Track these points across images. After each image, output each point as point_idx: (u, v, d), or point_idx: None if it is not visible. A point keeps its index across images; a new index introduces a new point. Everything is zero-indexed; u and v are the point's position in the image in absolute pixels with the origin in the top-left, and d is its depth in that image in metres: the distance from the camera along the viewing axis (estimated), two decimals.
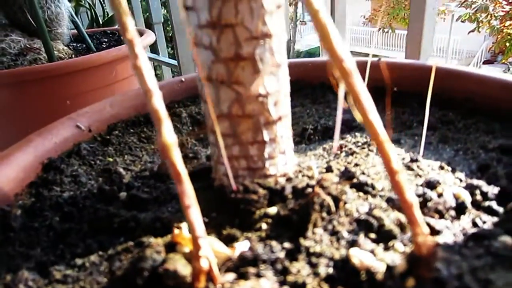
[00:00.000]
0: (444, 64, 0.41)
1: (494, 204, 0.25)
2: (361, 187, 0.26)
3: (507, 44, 8.60)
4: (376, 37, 11.34)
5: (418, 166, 0.30)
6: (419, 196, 0.25)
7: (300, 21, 12.67)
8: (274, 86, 0.24)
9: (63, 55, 0.86)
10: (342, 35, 0.84)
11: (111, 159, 0.35)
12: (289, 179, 0.27)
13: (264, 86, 0.24)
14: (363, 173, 0.29)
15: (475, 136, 0.34)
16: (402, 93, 0.43)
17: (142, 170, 0.33)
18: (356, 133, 0.38)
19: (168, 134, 0.17)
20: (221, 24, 0.22)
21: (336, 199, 0.23)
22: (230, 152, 0.26)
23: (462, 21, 8.72)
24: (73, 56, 0.88)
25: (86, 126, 0.36)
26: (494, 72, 0.37)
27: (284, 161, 0.27)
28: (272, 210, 0.23)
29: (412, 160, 0.31)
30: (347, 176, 0.27)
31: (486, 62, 11.09)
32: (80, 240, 0.24)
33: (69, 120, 0.35)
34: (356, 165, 0.31)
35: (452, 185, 0.27)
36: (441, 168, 0.30)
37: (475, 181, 0.27)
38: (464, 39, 9.97)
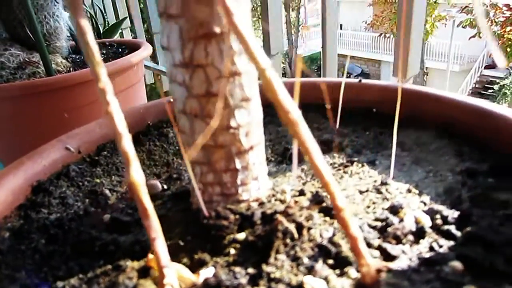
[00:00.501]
0: (420, 87, 0.43)
1: (453, 228, 0.27)
2: (328, 212, 0.28)
3: (508, 49, 8.60)
4: (378, 42, 11.38)
5: (386, 190, 0.31)
6: (381, 220, 0.27)
7: (303, 26, 12.73)
8: (245, 119, 0.26)
9: (61, 68, 0.88)
10: (333, 46, 0.86)
11: (98, 180, 0.36)
12: (261, 204, 0.29)
13: (235, 119, 0.26)
14: None
15: (445, 158, 0.36)
16: (381, 114, 0.45)
17: (127, 191, 0.35)
18: (335, 154, 0.40)
19: (136, 174, 0.19)
20: (193, 64, 0.24)
21: (300, 226, 0.25)
22: (205, 179, 0.28)
23: (463, 27, 8.75)
24: (71, 69, 0.90)
25: (76, 148, 0.38)
26: (469, 97, 0.39)
27: (257, 186, 0.29)
28: (241, 235, 0.25)
29: (382, 183, 0.32)
30: (316, 200, 0.29)
31: (488, 66, 11.10)
32: (63, 262, 0.26)
33: (59, 142, 0.37)
34: None
35: (416, 209, 0.29)
36: (409, 191, 0.32)
37: (437, 206, 0.28)
38: (466, 44, 10.00)
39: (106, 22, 1.78)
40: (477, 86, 10.94)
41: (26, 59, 0.82)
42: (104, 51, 1.07)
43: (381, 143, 0.41)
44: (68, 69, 0.90)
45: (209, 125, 0.25)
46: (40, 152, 0.35)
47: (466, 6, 8.65)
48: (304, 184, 0.35)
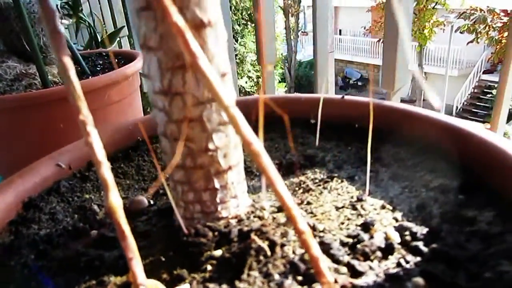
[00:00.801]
0: (399, 104, 0.44)
1: (420, 245, 0.28)
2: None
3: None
4: (376, 48, 11.43)
5: (362, 206, 0.33)
6: (353, 237, 0.29)
7: (302, 31, 12.80)
8: (222, 141, 0.28)
9: (57, 79, 0.90)
10: (324, 59, 0.87)
11: (87, 196, 0.38)
12: (240, 221, 0.30)
13: (213, 142, 0.27)
14: (311, 213, 0.33)
15: (421, 174, 0.37)
16: (362, 129, 0.46)
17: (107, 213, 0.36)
18: (317, 169, 0.41)
19: (115, 199, 0.20)
20: (171, 92, 0.25)
21: (274, 243, 0.26)
22: (186, 198, 0.29)
23: (461, 32, 8.79)
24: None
25: (67, 164, 0.40)
26: (443, 115, 0.40)
27: (236, 204, 0.31)
28: (218, 252, 0.26)
29: (358, 200, 0.34)
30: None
31: (486, 71, 11.15)
32: (50, 278, 0.27)
33: (50, 159, 0.39)
34: (308, 203, 0.34)
35: (387, 225, 0.30)
36: (383, 207, 0.33)
37: (407, 222, 0.30)
38: (464, 49, 10.05)
39: (104, 31, 1.80)
40: (475, 91, 10.98)
41: (23, 71, 0.84)
42: (101, 62, 1.09)
43: (362, 158, 0.43)
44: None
45: (188, 148, 0.27)
46: (31, 169, 0.37)
47: (463, 12, 8.71)
48: None
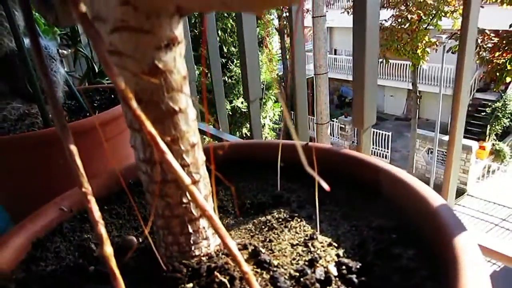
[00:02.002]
0: (353, 152, 0.52)
1: (354, 277, 0.35)
2: (261, 264, 0.36)
3: (497, 74, 8.80)
4: None
5: (312, 244, 0.40)
6: (299, 272, 0.36)
7: None
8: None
9: None
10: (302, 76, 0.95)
11: (86, 235, 0.45)
12: (210, 258, 0.37)
13: (186, 197, 0.35)
14: (270, 249, 0.40)
15: (365, 215, 0.45)
16: (324, 172, 0.53)
17: (110, 244, 0.43)
18: (281, 209, 0.48)
19: (106, 248, 0.27)
20: (152, 161, 0.33)
21: (233, 277, 0.33)
22: (166, 240, 0.37)
23: (452, 52, 8.98)
24: (66, 117, 1.00)
25: (68, 207, 0.47)
26: (387, 164, 0.48)
27: (207, 244, 0.38)
28: (190, 285, 0.33)
29: (311, 238, 0.41)
30: (254, 254, 0.38)
31: (480, 90, 11.33)
32: None
33: (54, 204, 0.46)
34: (270, 241, 0.41)
35: (330, 261, 0.37)
36: (330, 245, 0.40)
37: (346, 259, 0.37)
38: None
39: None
40: (470, 109, 11.14)
41: (26, 111, 0.92)
42: (98, 97, 1.17)
43: (321, 199, 0.50)
44: (64, 117, 0.99)
45: (166, 202, 0.34)
46: (39, 214, 0.44)
47: (455, 33, 8.92)
48: (252, 237, 0.43)
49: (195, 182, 0.35)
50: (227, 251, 0.27)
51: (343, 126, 10.95)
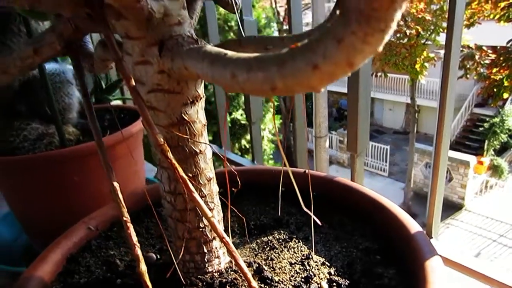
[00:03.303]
0: (345, 180, 0.59)
1: None
2: (264, 280, 0.43)
3: (495, 89, 8.91)
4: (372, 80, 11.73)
5: (308, 263, 0.46)
6: (296, 287, 0.42)
7: None
8: None
9: (72, 137, 1.04)
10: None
11: (111, 252, 0.51)
12: (221, 274, 0.43)
13: (203, 222, 0.41)
14: (272, 267, 0.46)
15: (355, 238, 0.51)
16: (320, 197, 0.60)
17: (131, 260, 0.50)
18: (281, 230, 0.55)
19: (143, 267, 0.34)
20: (176, 193, 0.39)
21: None
22: (184, 258, 0.43)
23: None
24: (80, 137, 1.07)
25: (95, 226, 0.53)
26: (372, 191, 0.54)
27: (218, 262, 0.44)
28: None
29: (307, 258, 0.47)
30: (258, 271, 0.44)
31: (478, 105, 11.44)
32: None
33: (83, 223, 0.52)
34: (272, 259, 0.48)
35: (323, 278, 0.44)
36: (323, 264, 0.46)
37: (336, 277, 0.43)
38: (455, 83, 10.38)
39: (108, 79, 1.96)
40: (468, 124, 11.25)
41: (44, 131, 0.98)
42: (108, 117, 1.24)
43: (318, 222, 0.57)
44: (78, 137, 1.06)
45: (187, 226, 0.41)
46: (71, 232, 0.50)
47: None
48: (255, 255, 0.50)
49: (210, 210, 0.41)
50: (239, 270, 0.34)
51: (341, 139, 11.03)
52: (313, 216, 0.36)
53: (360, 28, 0.19)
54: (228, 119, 6.44)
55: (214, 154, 1.24)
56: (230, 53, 0.25)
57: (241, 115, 6.53)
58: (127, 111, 1.27)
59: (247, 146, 5.92)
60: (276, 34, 10.56)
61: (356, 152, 0.85)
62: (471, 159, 8.86)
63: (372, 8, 0.19)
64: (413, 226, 0.45)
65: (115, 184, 0.34)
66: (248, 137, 5.67)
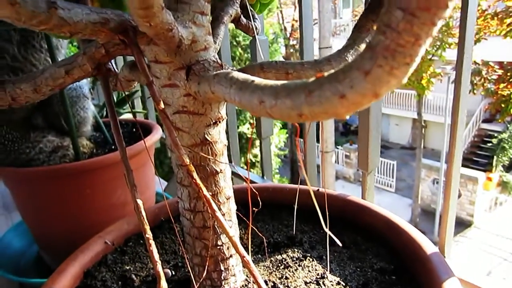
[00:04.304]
0: (358, 199, 0.59)
1: None
2: None
3: (503, 105, 8.87)
4: None
5: (323, 282, 0.47)
6: None
7: None
8: (226, 239, 0.42)
9: (86, 150, 1.06)
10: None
11: (126, 267, 0.52)
12: None
13: (220, 240, 0.42)
14: (287, 286, 0.46)
15: (369, 257, 0.51)
16: (332, 216, 0.61)
17: (146, 275, 0.51)
18: (295, 249, 0.55)
19: (163, 282, 0.34)
20: (195, 210, 0.40)
21: None
22: (201, 275, 0.44)
23: (452, 82, 9.08)
24: (93, 150, 1.08)
25: (111, 241, 0.54)
26: (389, 213, 0.55)
27: (235, 280, 0.45)
28: None
29: (321, 277, 0.48)
30: None
31: (485, 120, 11.39)
32: None
33: (99, 238, 0.53)
34: (286, 278, 0.48)
35: None
36: (338, 283, 0.47)
37: None
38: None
39: (119, 93, 2.00)
40: (475, 139, 11.18)
41: (59, 144, 1.00)
42: (121, 131, 1.26)
43: (331, 241, 0.57)
44: (91, 150, 1.08)
45: (204, 244, 0.42)
46: (88, 246, 0.51)
47: None
48: (270, 273, 0.50)
49: (230, 227, 0.42)
50: None
51: (348, 153, 11.00)
52: (331, 235, 0.36)
53: (387, 62, 0.20)
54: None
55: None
56: (257, 80, 0.27)
57: (248, 129, 6.56)
58: (139, 125, 1.29)
59: (253, 160, 5.92)
60: (283, 49, 10.66)
61: (367, 170, 0.85)
62: (480, 175, 8.78)
63: (397, 44, 0.20)
64: (429, 246, 0.45)
65: (139, 202, 0.35)
66: (254, 151, 5.68)
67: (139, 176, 1.04)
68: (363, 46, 0.36)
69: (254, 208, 0.48)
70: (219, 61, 0.34)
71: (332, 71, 0.23)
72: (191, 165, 0.31)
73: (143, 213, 0.35)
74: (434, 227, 8.12)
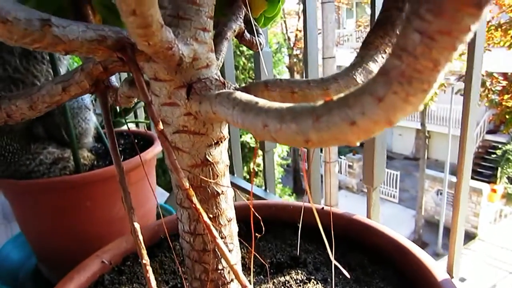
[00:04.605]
0: (365, 218, 0.57)
1: None
2: None
3: (507, 116, 8.84)
4: None
5: None
6: None
7: None
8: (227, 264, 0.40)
9: (87, 161, 1.05)
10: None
11: (123, 287, 0.50)
12: None
13: (221, 263, 0.40)
14: None
15: (376, 281, 0.49)
16: (338, 236, 0.59)
17: None
18: (299, 270, 0.53)
19: None
20: (195, 233, 0.39)
21: None
22: None
23: (461, 95, 9.06)
24: (95, 161, 1.07)
25: (109, 260, 0.52)
26: (398, 235, 0.53)
27: None
28: None
29: None
30: None
31: (490, 131, 11.34)
32: None
33: (97, 257, 0.51)
34: None
35: None
36: None
37: None
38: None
39: None
40: (480, 150, 11.12)
41: (60, 155, 0.99)
42: (122, 141, 1.24)
43: (336, 261, 0.55)
44: (92, 161, 1.07)
45: (204, 267, 0.40)
46: (84, 266, 0.50)
47: (463, 76, 9.06)
48: None
49: (230, 251, 0.40)
50: None
51: (351, 163, 10.96)
52: (337, 264, 0.34)
53: (402, 88, 0.19)
54: None
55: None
56: (261, 101, 0.25)
57: (251, 138, 6.55)
58: (141, 136, 1.28)
59: (256, 169, 5.90)
60: (286, 58, 10.69)
61: (372, 185, 0.83)
62: (484, 187, 8.71)
63: (414, 69, 0.18)
64: (439, 272, 0.43)
65: (136, 225, 0.34)
66: (257, 160, 5.66)
67: (140, 189, 1.03)
68: (371, 65, 0.34)
69: (256, 233, 0.46)
70: (221, 79, 0.33)
71: (342, 94, 0.22)
72: (190, 189, 0.29)
73: (140, 237, 0.33)
74: (438, 239, 8.03)
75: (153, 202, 1.10)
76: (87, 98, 1.06)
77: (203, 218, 0.29)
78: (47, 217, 0.92)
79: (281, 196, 7.07)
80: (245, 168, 6.69)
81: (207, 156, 0.35)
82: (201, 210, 0.29)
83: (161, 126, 0.29)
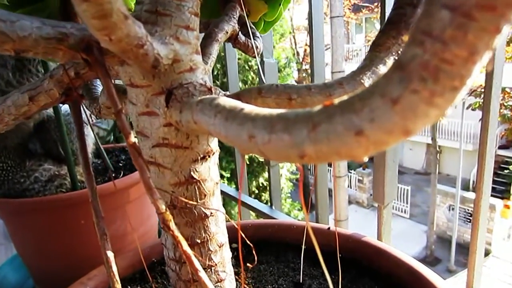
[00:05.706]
0: (375, 241, 0.52)
1: None
2: None
3: None
4: None
5: None
6: None
7: None
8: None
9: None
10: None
11: None
12: None
13: None
14: None
15: None
16: (345, 259, 0.53)
17: None
18: None
19: None
20: (181, 261, 0.34)
21: None
22: None
23: (472, 109, 8.97)
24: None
25: (94, 287, 0.48)
26: (409, 257, 0.47)
27: None
28: None
29: None
30: None
31: (502, 147, 11.15)
32: None
33: (81, 284, 0.47)
34: None
35: None
36: None
37: None
38: (477, 124, 10.19)
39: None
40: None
41: (56, 172, 0.95)
42: (123, 157, 1.21)
43: (344, 286, 0.50)
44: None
45: None
46: None
47: (474, 90, 8.96)
48: None
49: (221, 281, 0.36)
50: None
51: (361, 178, 10.82)
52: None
53: (425, 86, 0.14)
54: (246, 156, 6.42)
55: (230, 196, 1.18)
56: (247, 108, 0.21)
57: None
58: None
59: (265, 184, 5.84)
60: (295, 73, 10.70)
61: (383, 203, 0.78)
62: (497, 202, 8.51)
63: (442, 59, 0.13)
64: None
65: (109, 254, 0.29)
66: (266, 175, 5.60)
67: (139, 206, 0.99)
68: (382, 68, 0.30)
69: (255, 256, 0.41)
70: (208, 84, 0.28)
71: (345, 97, 0.17)
72: (167, 212, 0.24)
73: (114, 268, 0.29)
74: (451, 255, 7.81)
75: (154, 220, 1.06)
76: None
77: (182, 247, 0.25)
78: (43, 237, 0.88)
79: (290, 211, 6.96)
80: (254, 183, 6.63)
81: (192, 173, 0.30)
82: (180, 238, 0.25)
83: (132, 139, 0.24)
